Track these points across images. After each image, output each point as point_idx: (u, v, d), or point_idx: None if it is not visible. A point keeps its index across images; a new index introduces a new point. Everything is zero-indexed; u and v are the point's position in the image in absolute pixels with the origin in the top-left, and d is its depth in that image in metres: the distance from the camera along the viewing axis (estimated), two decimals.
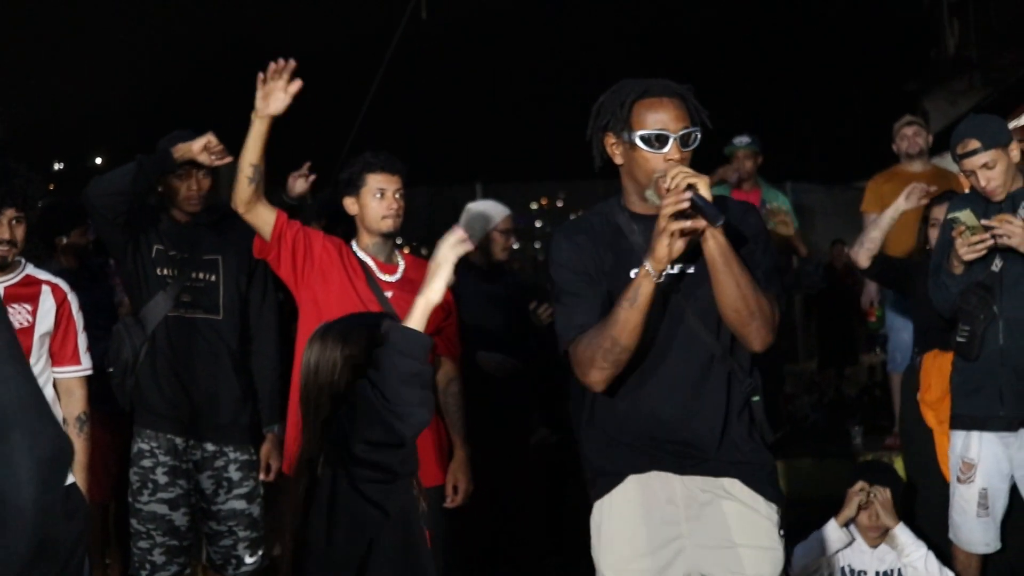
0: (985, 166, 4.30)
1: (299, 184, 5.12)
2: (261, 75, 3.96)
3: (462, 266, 5.65)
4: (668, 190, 2.82)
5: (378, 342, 2.60)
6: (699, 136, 3.01)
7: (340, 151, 6.95)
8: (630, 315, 2.85)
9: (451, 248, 2.70)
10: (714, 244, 2.87)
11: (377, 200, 4.22)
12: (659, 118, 2.95)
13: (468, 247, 2.77)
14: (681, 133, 2.95)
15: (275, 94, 3.95)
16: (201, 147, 4.25)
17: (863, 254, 5.22)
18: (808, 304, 8.77)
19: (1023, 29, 15.57)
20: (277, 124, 4.07)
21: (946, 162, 5.35)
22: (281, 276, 4.24)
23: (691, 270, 3.02)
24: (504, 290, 5.69)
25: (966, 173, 4.43)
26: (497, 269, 5.72)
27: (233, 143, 4.20)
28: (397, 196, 4.24)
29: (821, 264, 6.37)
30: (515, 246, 5.73)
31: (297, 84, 3.97)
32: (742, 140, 7.56)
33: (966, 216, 4.27)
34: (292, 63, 3.96)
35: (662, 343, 3.02)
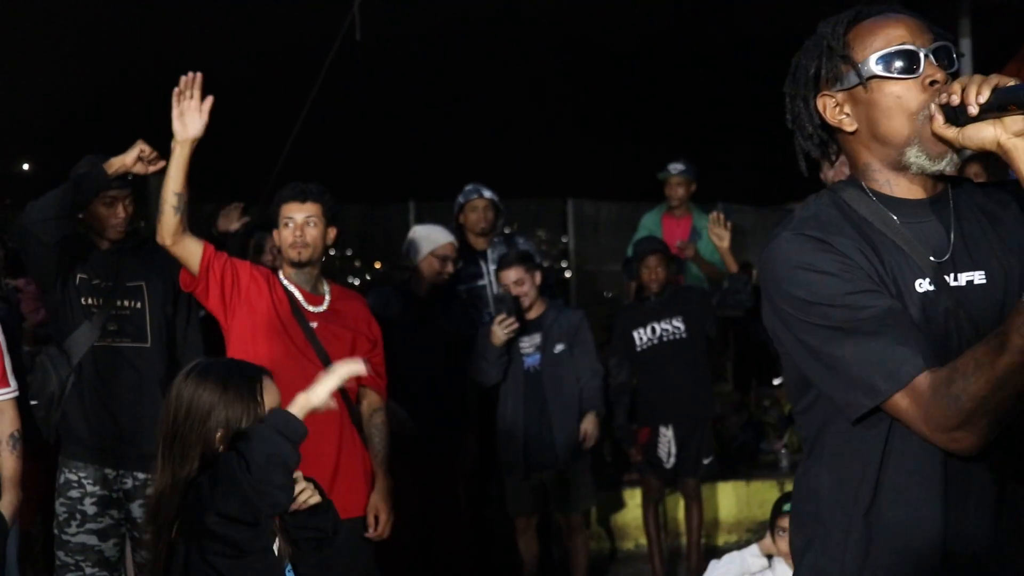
0: None
1: (231, 221, 5.14)
2: (176, 90, 3.93)
3: (402, 294, 5.69)
4: (965, 105, 1.85)
5: (256, 396, 2.62)
6: (959, 58, 2.03)
7: (271, 171, 6.93)
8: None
9: (343, 372, 2.71)
10: None
11: (287, 230, 4.21)
12: (894, 34, 2.00)
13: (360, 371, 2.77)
14: (934, 46, 1.99)
15: (189, 114, 3.93)
16: (134, 158, 4.22)
17: None
18: (723, 323, 8.85)
19: None
20: (207, 143, 4.04)
21: None
22: (209, 308, 4.21)
23: (980, 279, 2.01)
24: (444, 317, 5.70)
25: None
26: (436, 294, 5.72)
27: (158, 156, 4.16)
28: (309, 224, 4.22)
29: (750, 283, 6.41)
30: (449, 271, 5.71)
31: (209, 101, 3.94)
32: (676, 167, 7.65)
33: None
34: (199, 75, 3.94)
35: None
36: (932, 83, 1.96)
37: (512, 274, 5.63)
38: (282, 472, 2.46)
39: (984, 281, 1.99)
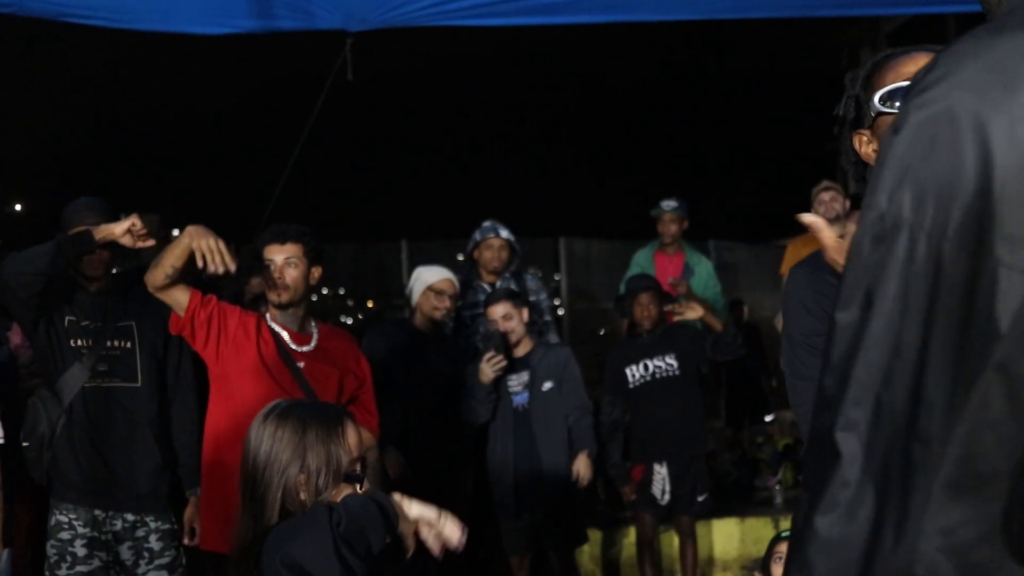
0: None
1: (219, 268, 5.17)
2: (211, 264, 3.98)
3: (401, 331, 5.71)
4: None
5: (339, 439, 2.52)
6: None
7: (263, 211, 6.94)
8: None
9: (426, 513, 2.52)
10: None
11: (268, 272, 4.24)
12: (904, 71, 2.01)
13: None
14: None
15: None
16: (124, 231, 4.19)
17: None
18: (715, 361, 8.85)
19: None
20: (200, 187, 4.06)
21: None
22: (196, 350, 4.22)
23: None
24: (443, 352, 5.71)
25: None
26: (435, 331, 5.73)
27: (149, 196, 4.17)
28: (289, 265, 4.22)
29: (738, 334, 6.41)
30: (446, 307, 5.73)
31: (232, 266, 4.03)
32: (669, 204, 7.68)
33: None
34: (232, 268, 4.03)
35: None
36: None
37: (500, 309, 5.63)
38: (380, 516, 2.36)
39: None
